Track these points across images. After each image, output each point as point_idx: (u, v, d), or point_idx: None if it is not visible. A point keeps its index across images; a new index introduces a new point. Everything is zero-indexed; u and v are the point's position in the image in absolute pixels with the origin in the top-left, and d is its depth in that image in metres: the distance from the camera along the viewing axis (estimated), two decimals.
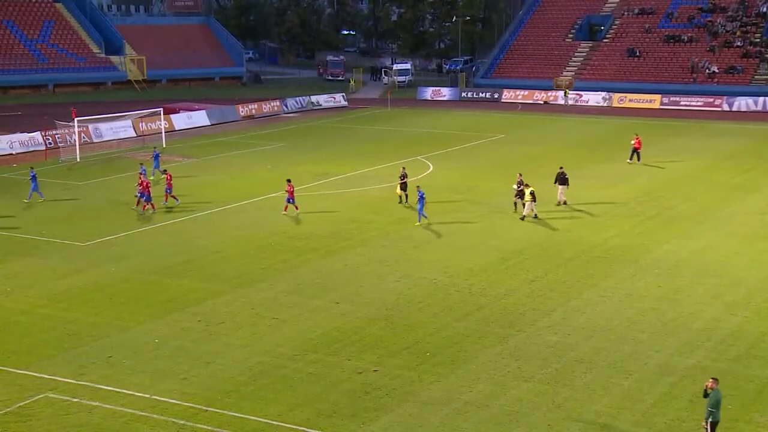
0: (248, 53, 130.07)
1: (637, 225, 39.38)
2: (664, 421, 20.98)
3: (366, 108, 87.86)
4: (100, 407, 21.69)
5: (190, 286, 30.94)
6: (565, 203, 42.56)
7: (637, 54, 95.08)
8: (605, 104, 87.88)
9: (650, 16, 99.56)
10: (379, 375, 23.56)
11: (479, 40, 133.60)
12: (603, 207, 42.66)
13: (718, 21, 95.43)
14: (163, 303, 29.22)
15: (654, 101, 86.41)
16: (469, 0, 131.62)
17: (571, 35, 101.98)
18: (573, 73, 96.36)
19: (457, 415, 21.32)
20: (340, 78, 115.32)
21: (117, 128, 66.75)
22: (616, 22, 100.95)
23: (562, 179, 42.62)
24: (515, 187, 41.06)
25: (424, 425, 20.88)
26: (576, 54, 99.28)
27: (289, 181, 41.45)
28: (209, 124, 75.26)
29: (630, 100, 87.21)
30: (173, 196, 43.15)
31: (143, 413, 21.38)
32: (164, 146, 61.74)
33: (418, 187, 40.36)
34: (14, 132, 62.63)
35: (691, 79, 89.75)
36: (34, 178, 44.14)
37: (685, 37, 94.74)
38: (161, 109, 66.92)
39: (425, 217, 39.09)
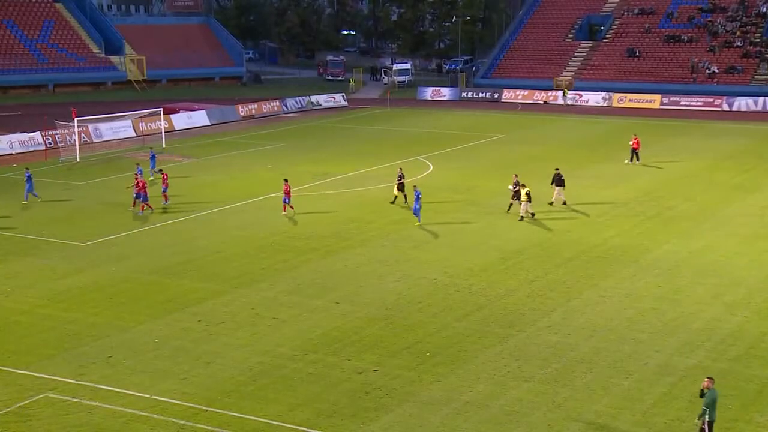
0: (248, 53, 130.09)
1: (637, 225, 39.38)
2: (664, 421, 20.98)
3: (366, 108, 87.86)
4: (100, 407, 21.69)
5: (190, 286, 30.94)
6: (564, 203, 42.55)
7: (637, 54, 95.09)
8: (605, 104, 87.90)
9: (650, 16, 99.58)
10: (379, 375, 23.56)
11: (479, 40, 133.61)
12: (603, 207, 42.66)
13: (718, 21, 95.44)
14: (163, 303, 29.22)
15: (654, 101, 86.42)
16: (469, 0, 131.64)
17: (571, 35, 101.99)
18: (573, 73, 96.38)
19: (457, 415, 21.32)
20: (340, 78, 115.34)
21: (117, 128, 66.76)
22: (616, 22, 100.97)
23: (558, 180, 42.63)
24: (511, 188, 41.03)
25: (424, 425, 20.88)
26: (576, 54, 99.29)
27: (286, 181, 41.44)
28: (209, 124, 75.27)
29: (630, 100, 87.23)
30: (165, 196, 43.06)
31: (143, 413, 21.38)
32: (164, 146, 61.81)
33: (414, 187, 40.33)
34: (14, 132, 62.64)
35: (691, 79, 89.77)
36: (29, 179, 44.11)
37: (685, 37, 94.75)
38: (161, 109, 66.92)
39: (418, 219, 38.98)
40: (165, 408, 21.68)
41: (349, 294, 30.08)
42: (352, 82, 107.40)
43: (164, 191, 43.10)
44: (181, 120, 73.49)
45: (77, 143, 58.35)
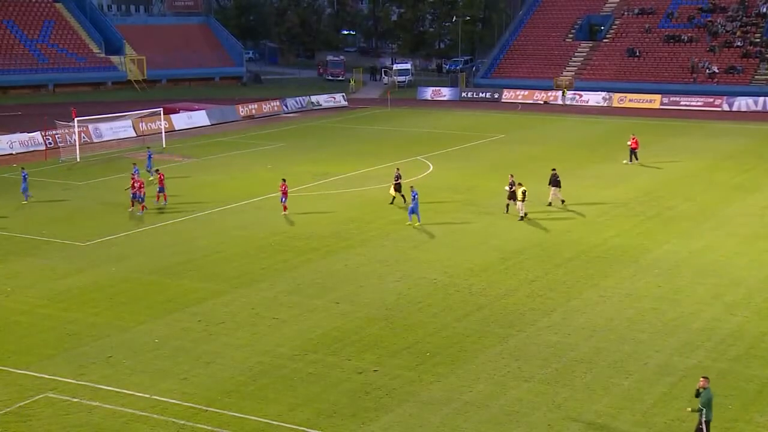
0: (248, 53, 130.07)
1: (637, 225, 39.38)
2: (664, 421, 20.98)
3: (366, 108, 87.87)
4: (100, 407, 21.69)
5: (190, 286, 30.94)
6: (563, 202, 42.54)
7: (637, 54, 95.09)
8: (605, 104, 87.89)
9: (650, 16, 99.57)
10: (379, 375, 23.56)
11: (479, 40, 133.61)
12: (603, 207, 42.66)
13: (718, 21, 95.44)
14: (163, 303, 29.22)
15: (654, 101, 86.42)
16: (469, 0, 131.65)
17: (571, 35, 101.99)
18: (573, 73, 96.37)
19: (457, 415, 21.32)
20: (340, 78, 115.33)
21: (117, 128, 66.77)
22: (616, 22, 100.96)
23: (554, 181, 42.63)
24: (507, 188, 41.01)
25: (424, 425, 20.88)
26: (576, 54, 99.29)
27: (283, 180, 41.39)
28: (209, 124, 75.27)
29: (630, 100, 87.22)
30: (164, 196, 43.03)
31: (143, 413, 21.38)
32: (164, 146, 61.82)
33: (411, 187, 40.31)
34: (14, 132, 62.64)
35: (691, 79, 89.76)
36: (24, 178, 44.10)
37: (685, 37, 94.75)
38: (161, 109, 66.92)
39: (418, 219, 38.97)
40: (165, 408, 21.68)
41: (349, 294, 30.08)
42: (352, 82, 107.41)
43: (160, 191, 42.98)
44: (181, 120, 73.49)
45: (77, 143, 58.36)
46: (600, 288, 30.61)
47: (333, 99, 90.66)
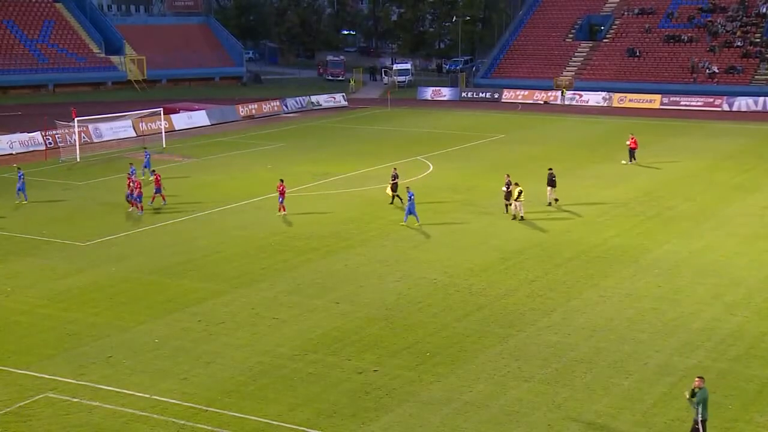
0: (248, 53, 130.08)
1: (637, 225, 39.38)
2: (664, 421, 20.98)
3: (366, 108, 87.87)
4: (100, 407, 21.69)
5: (190, 286, 30.94)
6: (556, 201, 42.52)
7: (637, 54, 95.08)
8: (605, 104, 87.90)
9: (650, 16, 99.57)
10: (379, 375, 23.56)
11: (479, 40, 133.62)
12: (603, 207, 42.66)
13: (718, 21, 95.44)
14: (163, 303, 29.22)
15: (654, 101, 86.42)
16: (469, 0, 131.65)
17: (571, 35, 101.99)
18: (573, 73, 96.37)
19: (457, 415, 21.32)
20: (340, 78, 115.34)
21: (117, 128, 66.77)
22: (616, 22, 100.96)
23: (550, 181, 42.63)
24: (504, 189, 41.01)
25: (424, 425, 20.88)
26: (576, 54, 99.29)
27: (281, 181, 41.34)
28: (209, 124, 75.27)
29: (630, 100, 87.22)
30: (162, 196, 43.03)
31: (143, 413, 21.38)
32: (164, 146, 61.83)
33: (408, 188, 40.28)
34: (14, 132, 62.64)
35: (691, 79, 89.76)
36: (20, 178, 44.07)
37: (685, 37, 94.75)
38: (161, 109, 66.93)
39: (417, 219, 38.91)
40: (165, 408, 21.68)
41: (349, 294, 30.08)
42: (352, 82, 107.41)
43: (156, 192, 42.89)
44: (181, 120, 73.50)
45: (77, 143, 58.36)
46: (600, 288, 30.62)
47: (333, 99, 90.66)
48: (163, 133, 64.90)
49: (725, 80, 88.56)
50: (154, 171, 45.63)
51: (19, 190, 43.93)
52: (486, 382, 23.15)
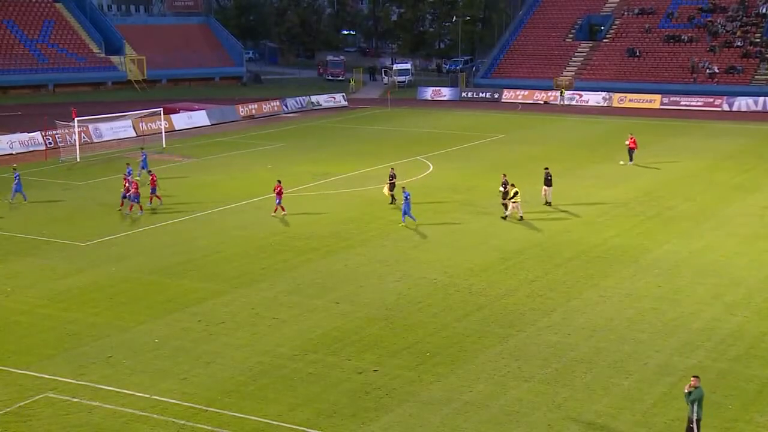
0: (248, 53, 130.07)
1: (637, 225, 39.38)
2: (664, 421, 20.98)
3: (366, 108, 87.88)
4: (100, 407, 21.69)
5: (190, 286, 30.94)
6: (549, 204, 42.45)
7: (637, 54, 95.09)
8: (605, 104, 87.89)
9: (650, 16, 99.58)
10: (379, 375, 23.56)
11: (479, 40, 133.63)
12: (603, 207, 42.66)
13: (718, 21, 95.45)
14: (163, 303, 29.22)
15: (654, 101, 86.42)
16: (469, 0, 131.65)
17: (571, 35, 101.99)
18: (573, 73, 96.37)
19: (457, 415, 21.32)
20: (340, 78, 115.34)
21: (117, 128, 66.77)
22: (616, 22, 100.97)
23: (546, 180, 42.63)
24: (501, 189, 40.97)
25: (424, 425, 20.88)
26: (576, 54, 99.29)
27: (279, 182, 41.28)
28: (209, 124, 75.27)
29: (630, 100, 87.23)
30: (158, 197, 42.99)
31: (143, 413, 21.38)
32: (164, 146, 61.83)
33: (403, 188, 40.26)
34: (14, 132, 62.62)
35: (691, 79, 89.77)
36: (16, 178, 44.04)
37: (685, 37, 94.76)
38: (161, 109, 66.93)
39: (413, 219, 38.88)
40: (165, 408, 21.68)
41: (349, 294, 30.08)
42: (352, 82, 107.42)
43: (152, 192, 42.83)
44: (181, 120, 73.49)
45: (77, 143, 58.35)
46: (600, 288, 30.62)
47: (333, 99, 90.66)
48: (163, 133, 64.89)
49: (725, 80, 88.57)
50: (150, 171, 45.58)
51: (15, 191, 43.84)
52: (486, 382, 23.15)
